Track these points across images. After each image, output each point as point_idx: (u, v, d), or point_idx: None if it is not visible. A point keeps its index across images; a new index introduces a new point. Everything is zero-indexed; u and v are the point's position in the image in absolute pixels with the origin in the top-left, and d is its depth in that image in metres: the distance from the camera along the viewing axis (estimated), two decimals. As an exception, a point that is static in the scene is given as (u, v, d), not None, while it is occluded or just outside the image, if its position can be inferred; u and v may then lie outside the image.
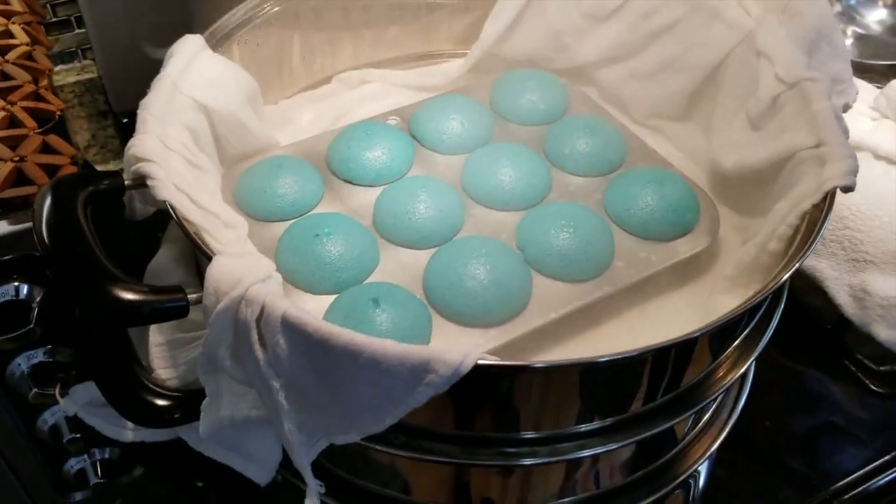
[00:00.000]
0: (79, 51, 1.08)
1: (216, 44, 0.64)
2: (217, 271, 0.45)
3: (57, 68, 1.08)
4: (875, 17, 1.09)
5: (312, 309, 0.54)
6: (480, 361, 0.42)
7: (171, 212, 0.50)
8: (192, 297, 0.45)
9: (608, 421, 0.52)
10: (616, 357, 0.44)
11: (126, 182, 0.53)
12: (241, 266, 0.45)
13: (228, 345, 0.45)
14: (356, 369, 0.42)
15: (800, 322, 0.80)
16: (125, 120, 0.90)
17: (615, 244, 0.60)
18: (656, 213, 0.60)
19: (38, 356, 0.60)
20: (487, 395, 0.49)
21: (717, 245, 0.63)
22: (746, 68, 0.64)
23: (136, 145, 0.52)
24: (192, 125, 0.58)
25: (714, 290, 0.59)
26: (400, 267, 0.59)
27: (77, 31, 1.06)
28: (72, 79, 1.05)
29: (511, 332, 0.54)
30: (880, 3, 1.11)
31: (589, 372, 0.49)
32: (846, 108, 0.64)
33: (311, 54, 0.75)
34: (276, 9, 0.69)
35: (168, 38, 0.62)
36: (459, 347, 0.43)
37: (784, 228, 0.54)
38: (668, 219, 0.60)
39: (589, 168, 0.66)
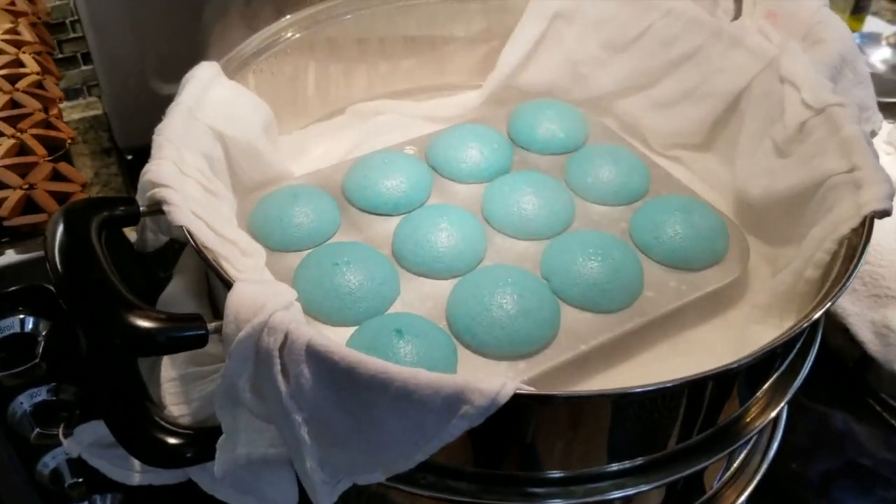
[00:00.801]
0: (84, 87, 1.07)
1: (232, 71, 0.63)
2: (238, 297, 0.43)
3: (62, 105, 1.07)
4: (879, 57, 1.10)
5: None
6: (519, 391, 0.39)
7: (189, 238, 0.48)
8: (211, 325, 0.43)
9: (640, 460, 0.50)
10: (674, 383, 0.41)
11: (141, 208, 0.51)
12: (263, 292, 0.43)
13: (249, 376, 0.43)
14: (385, 400, 0.40)
15: (821, 360, 0.78)
16: (130, 157, 0.88)
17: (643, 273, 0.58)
18: (685, 242, 0.59)
19: (42, 394, 0.58)
20: (516, 430, 0.46)
21: (745, 275, 0.61)
22: (770, 95, 0.63)
23: (153, 170, 0.50)
24: (208, 152, 0.57)
25: (748, 321, 0.57)
26: (421, 297, 0.56)
27: (83, 67, 1.05)
28: (76, 115, 1.04)
29: (540, 364, 0.52)
30: (884, 43, 1.12)
31: (627, 404, 0.46)
32: (872, 134, 0.63)
33: (326, 84, 0.74)
34: (294, 37, 0.68)
35: (177, 71, 0.61)
36: (488, 377, 0.41)
37: (821, 255, 0.52)
38: (698, 247, 0.58)
39: (613, 197, 0.64)
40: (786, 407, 0.54)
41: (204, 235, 0.49)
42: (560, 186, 0.64)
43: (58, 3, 0.98)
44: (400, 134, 0.73)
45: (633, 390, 0.42)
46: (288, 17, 0.68)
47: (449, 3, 0.75)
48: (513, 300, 0.53)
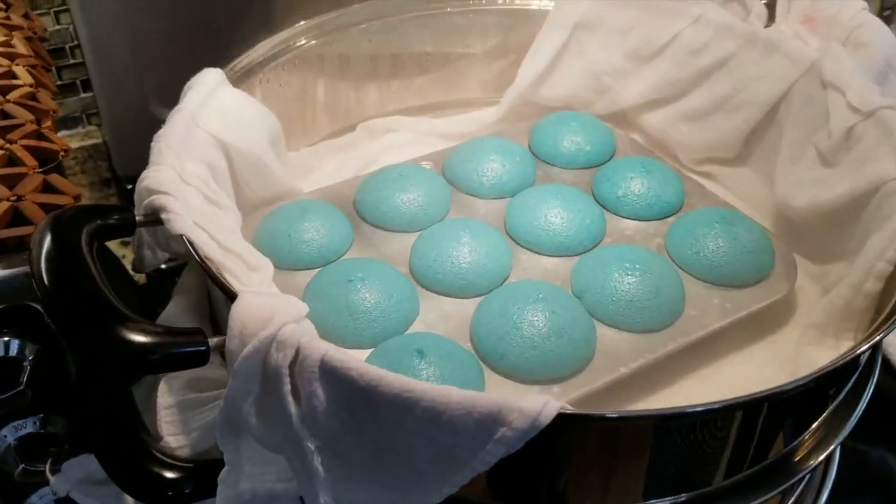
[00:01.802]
0: (83, 116, 1.04)
1: (237, 80, 0.60)
2: (244, 309, 0.38)
3: (60, 134, 1.04)
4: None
5: (346, 363, 0.47)
6: (564, 411, 0.34)
7: (190, 248, 0.44)
8: (213, 341, 0.38)
9: (684, 497, 0.45)
10: (730, 403, 0.37)
11: (138, 218, 0.46)
12: (271, 304, 0.39)
13: (255, 398, 0.38)
14: (411, 423, 0.35)
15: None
16: (130, 186, 0.84)
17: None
18: (729, 256, 0.54)
19: (28, 426, 0.52)
20: (548, 458, 0.41)
21: (791, 294, 0.56)
22: (812, 101, 0.59)
23: (151, 176, 0.46)
24: (211, 161, 0.53)
25: (800, 342, 0.52)
26: (443, 317, 0.52)
27: (82, 95, 1.02)
28: (75, 144, 1.01)
29: (576, 388, 0.47)
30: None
31: (675, 428, 0.41)
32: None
33: (336, 99, 0.70)
34: (304, 46, 0.65)
35: (180, 97, 0.57)
36: (528, 395, 0.36)
37: (883, 265, 0.47)
38: (743, 262, 0.54)
39: (646, 211, 0.60)
40: (839, 444, 0.49)
41: (206, 246, 0.44)
42: (589, 200, 0.60)
43: (57, 27, 0.95)
44: (414, 151, 0.69)
45: (693, 409, 0.37)
46: (299, 24, 0.65)
47: (465, 14, 0.72)
48: (544, 317, 0.48)
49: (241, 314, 0.38)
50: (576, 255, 0.56)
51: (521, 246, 0.57)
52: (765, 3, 0.65)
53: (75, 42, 0.96)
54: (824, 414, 0.48)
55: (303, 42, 0.65)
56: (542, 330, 0.47)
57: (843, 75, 0.57)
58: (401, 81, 0.74)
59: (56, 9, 0.94)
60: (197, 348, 0.38)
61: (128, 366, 0.38)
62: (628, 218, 0.60)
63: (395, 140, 0.71)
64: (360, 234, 0.58)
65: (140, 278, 0.72)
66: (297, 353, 0.36)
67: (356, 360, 0.36)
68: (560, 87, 0.72)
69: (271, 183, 0.60)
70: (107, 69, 0.78)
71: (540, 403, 0.34)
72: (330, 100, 0.70)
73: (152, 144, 0.50)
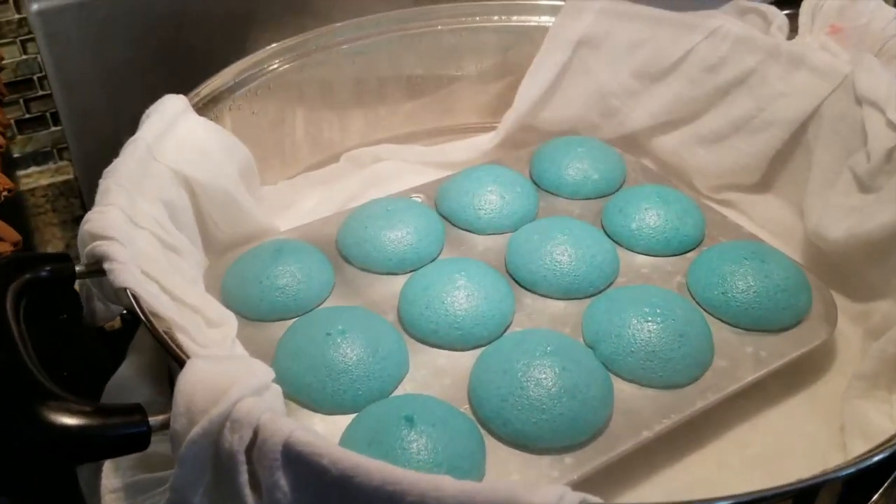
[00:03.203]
0: (54, 151, 0.97)
1: (203, 107, 0.53)
2: (193, 380, 0.32)
3: (29, 170, 0.97)
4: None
5: (323, 433, 0.40)
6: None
7: (134, 304, 0.37)
8: (155, 420, 0.32)
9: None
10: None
11: (77, 268, 0.40)
12: (226, 372, 0.32)
13: (206, 488, 0.32)
14: (396, 522, 0.28)
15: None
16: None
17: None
18: (761, 297, 0.47)
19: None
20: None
21: (832, 337, 0.50)
22: (846, 120, 0.53)
23: (94, 219, 0.40)
24: (170, 200, 0.47)
25: (848, 395, 0.45)
26: (436, 374, 0.45)
27: (53, 128, 0.96)
28: (45, 181, 0.95)
29: (592, 458, 0.41)
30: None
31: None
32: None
33: (317, 127, 0.64)
34: (279, 69, 0.58)
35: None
36: (539, 483, 0.30)
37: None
38: (777, 303, 0.47)
39: (664, 246, 0.53)
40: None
41: (155, 300, 0.38)
42: (599, 234, 0.53)
43: (24, 57, 0.89)
44: (404, 182, 0.63)
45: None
46: (272, 45, 0.58)
47: (457, 33, 0.66)
48: (554, 374, 0.41)
49: (190, 386, 0.32)
50: (586, 297, 0.50)
51: (525, 288, 0.51)
52: (786, 14, 0.59)
53: (43, 72, 0.90)
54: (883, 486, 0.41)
55: (277, 64, 0.59)
56: (551, 390, 0.41)
57: (881, 89, 0.51)
58: (388, 107, 0.67)
59: (23, 37, 0.88)
60: (135, 430, 0.31)
61: (52, 453, 0.31)
62: (644, 254, 0.54)
63: (383, 170, 0.65)
64: (342, 277, 0.52)
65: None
66: (256, 434, 0.30)
67: (327, 443, 0.29)
68: (563, 109, 0.65)
69: (243, 221, 0.53)
70: (75, 102, 0.72)
71: (555, 496, 0.28)
72: (311, 128, 0.64)
73: (100, 181, 0.44)
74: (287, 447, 0.29)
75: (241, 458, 0.30)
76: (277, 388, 0.36)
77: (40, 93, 0.93)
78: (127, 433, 0.31)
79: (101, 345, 0.59)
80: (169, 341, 0.35)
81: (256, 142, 0.57)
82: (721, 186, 0.62)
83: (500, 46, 0.68)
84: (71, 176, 0.96)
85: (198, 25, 0.61)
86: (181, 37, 0.67)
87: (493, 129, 0.67)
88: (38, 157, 0.97)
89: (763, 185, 0.61)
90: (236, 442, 0.30)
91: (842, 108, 0.54)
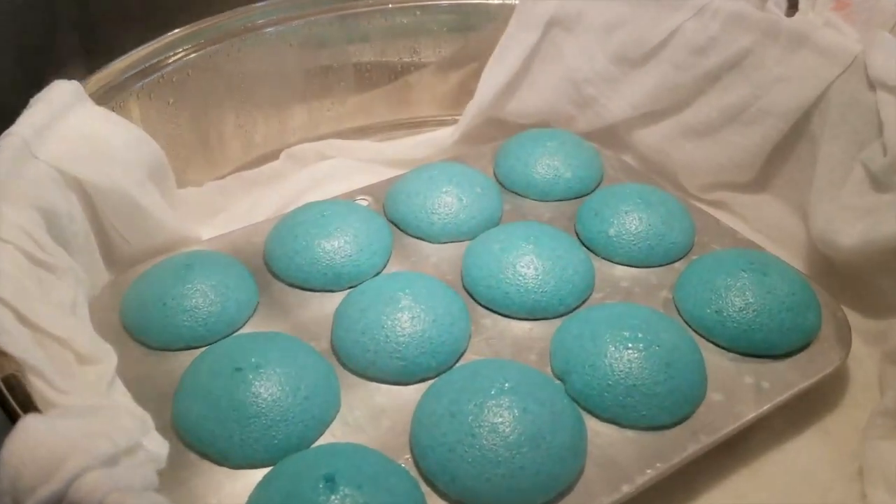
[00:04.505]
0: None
1: (103, 96, 0.45)
2: (21, 447, 0.24)
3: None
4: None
5: (229, 494, 0.33)
6: None
7: (-30, 340, 0.29)
8: (-32, 502, 0.24)
9: None
10: None
11: None
12: (67, 436, 0.24)
13: None
14: None
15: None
16: None
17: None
18: (763, 316, 0.40)
19: None
20: None
21: (845, 363, 0.42)
22: (856, 107, 0.46)
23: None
24: (50, 206, 0.38)
25: (869, 435, 0.38)
26: (372, 415, 0.37)
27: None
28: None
29: (561, 522, 0.33)
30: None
31: None
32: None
33: (250, 120, 0.56)
34: (202, 50, 0.50)
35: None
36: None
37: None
38: (782, 323, 0.40)
39: (646, 254, 0.46)
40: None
41: (6, 335, 0.30)
42: (571, 241, 0.45)
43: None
44: (352, 183, 0.55)
45: None
46: (192, 24, 0.50)
47: (410, 12, 0.58)
48: (512, 418, 0.33)
49: (17, 456, 0.24)
50: (556, 317, 0.42)
51: (483, 306, 0.43)
52: (784, -13, 0.52)
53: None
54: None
55: (191, 48, 0.50)
56: (508, 438, 0.33)
57: (898, 71, 0.44)
58: (335, 98, 0.59)
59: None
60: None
61: None
62: (623, 264, 0.46)
63: (329, 169, 0.57)
64: (267, 297, 0.44)
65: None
66: (98, 523, 0.22)
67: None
68: (532, 99, 0.58)
69: (154, 230, 0.45)
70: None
71: None
72: (242, 121, 0.56)
73: (-44, 183, 0.35)
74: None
75: (76, 558, 0.22)
76: (158, 446, 0.29)
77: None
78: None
79: None
80: (3, 390, 0.27)
81: (173, 137, 0.49)
82: (711, 185, 0.55)
83: (460, 29, 0.60)
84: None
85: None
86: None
87: (454, 122, 0.59)
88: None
89: (759, 183, 0.53)
90: (70, 536, 0.22)
91: (852, 93, 0.46)
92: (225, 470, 0.35)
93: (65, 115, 0.42)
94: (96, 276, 0.42)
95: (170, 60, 0.49)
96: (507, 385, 0.35)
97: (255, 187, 0.56)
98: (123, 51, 0.49)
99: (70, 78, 0.43)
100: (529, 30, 0.56)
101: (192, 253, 0.44)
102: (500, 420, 0.33)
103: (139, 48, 0.48)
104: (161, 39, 0.49)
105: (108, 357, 0.33)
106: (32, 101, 0.42)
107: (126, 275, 0.44)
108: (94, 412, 0.28)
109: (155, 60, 0.48)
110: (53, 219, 0.39)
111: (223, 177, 0.56)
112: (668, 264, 0.46)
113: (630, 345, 0.37)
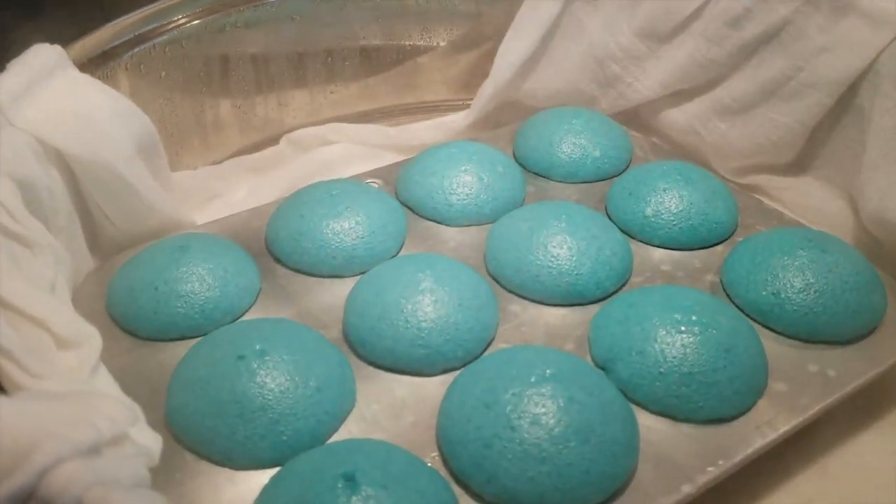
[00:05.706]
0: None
1: (88, 63, 0.41)
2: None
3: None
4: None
5: (232, 497, 0.28)
6: None
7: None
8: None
9: None
10: None
11: None
12: (42, 418, 0.20)
13: None
14: None
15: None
16: None
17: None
18: (826, 298, 0.36)
19: None
20: None
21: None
22: (910, 76, 0.42)
23: None
24: (25, 178, 0.34)
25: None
26: (392, 409, 0.33)
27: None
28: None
29: (615, 528, 0.28)
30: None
31: None
32: None
33: (249, 102, 0.52)
34: (187, 23, 0.46)
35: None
36: None
37: None
38: (846, 305, 0.36)
39: (688, 237, 0.42)
40: None
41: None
42: (605, 222, 0.41)
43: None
44: (357, 169, 0.51)
45: None
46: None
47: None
48: (557, 407, 0.29)
49: None
50: (593, 302, 0.38)
51: (511, 292, 0.39)
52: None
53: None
54: None
55: (186, 18, 0.46)
56: (553, 430, 0.29)
57: (958, 36, 0.40)
58: (341, 82, 0.55)
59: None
60: None
61: None
62: (662, 246, 0.42)
63: (333, 155, 0.53)
64: (271, 282, 0.39)
65: None
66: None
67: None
68: (551, 78, 0.54)
69: (142, 212, 0.41)
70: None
71: None
72: (240, 102, 0.51)
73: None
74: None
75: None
76: (150, 440, 0.24)
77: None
78: None
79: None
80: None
81: (164, 113, 0.45)
82: (747, 168, 0.51)
83: (472, 7, 0.57)
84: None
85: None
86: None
87: (466, 106, 0.55)
88: None
89: (800, 164, 0.49)
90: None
91: (904, 61, 0.43)
92: (226, 471, 0.30)
93: (45, 80, 0.38)
94: (80, 261, 0.38)
95: (164, 29, 0.45)
96: (548, 372, 0.31)
97: (255, 173, 0.52)
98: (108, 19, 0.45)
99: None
100: (548, 3, 0.53)
101: (186, 236, 0.40)
102: (543, 410, 0.29)
103: (130, 14, 0.43)
104: (156, 5, 0.44)
105: (90, 341, 0.29)
106: (9, 65, 0.38)
107: (113, 261, 0.40)
108: (73, 397, 0.24)
109: (147, 28, 0.44)
110: (31, 191, 0.34)
111: (219, 161, 0.52)
112: (710, 247, 0.42)
113: (683, 328, 0.33)
